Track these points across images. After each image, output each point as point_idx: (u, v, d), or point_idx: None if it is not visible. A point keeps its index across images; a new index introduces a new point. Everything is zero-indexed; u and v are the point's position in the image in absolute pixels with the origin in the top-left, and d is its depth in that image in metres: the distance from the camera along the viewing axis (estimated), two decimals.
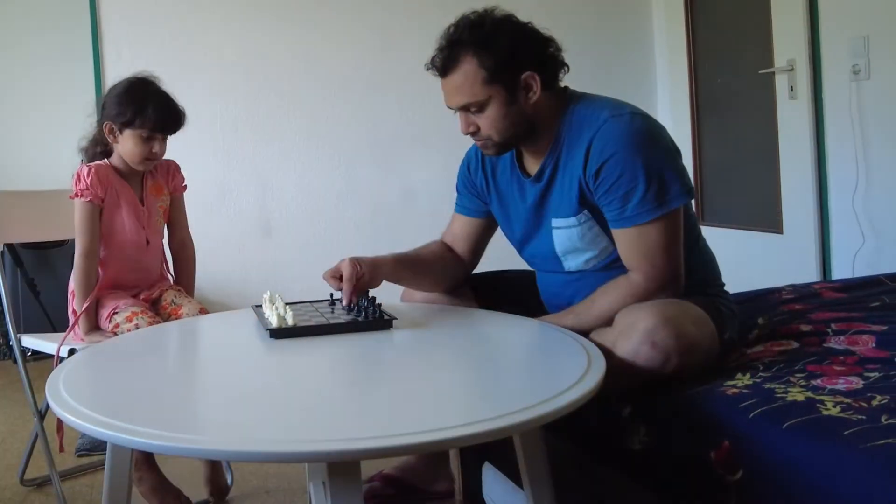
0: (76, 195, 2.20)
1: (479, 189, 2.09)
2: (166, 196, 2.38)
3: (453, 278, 2.13)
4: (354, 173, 4.30)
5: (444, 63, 1.83)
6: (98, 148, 2.30)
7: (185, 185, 2.43)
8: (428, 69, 1.87)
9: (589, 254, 1.90)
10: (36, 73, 4.11)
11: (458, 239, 2.16)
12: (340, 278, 1.88)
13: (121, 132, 2.21)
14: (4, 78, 4.11)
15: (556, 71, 1.88)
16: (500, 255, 2.23)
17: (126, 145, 2.22)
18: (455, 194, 2.19)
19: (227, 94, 4.12)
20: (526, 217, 1.99)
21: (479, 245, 2.16)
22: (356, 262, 1.89)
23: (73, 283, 2.23)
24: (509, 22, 1.84)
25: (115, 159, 2.29)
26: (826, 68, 3.43)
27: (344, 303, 1.88)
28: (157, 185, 2.36)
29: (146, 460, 2.22)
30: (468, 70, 1.80)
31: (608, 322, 1.75)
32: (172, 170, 2.41)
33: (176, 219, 2.42)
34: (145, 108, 2.19)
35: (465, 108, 1.85)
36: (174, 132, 2.27)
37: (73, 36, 4.04)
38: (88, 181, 2.19)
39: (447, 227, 2.21)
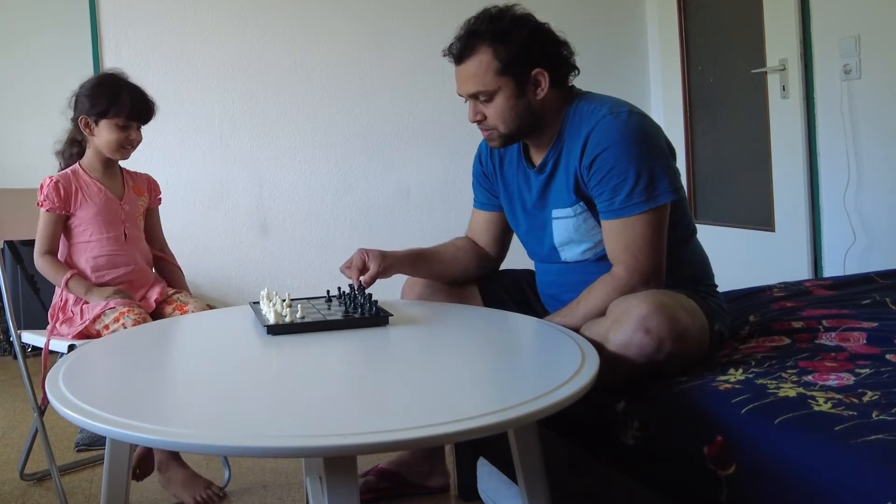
0: (39, 204, 2.29)
1: (489, 180, 2.14)
2: (145, 198, 2.46)
3: (479, 268, 2.20)
4: (351, 172, 4.30)
5: (460, 51, 1.91)
6: (73, 149, 2.37)
7: (161, 199, 2.53)
8: (444, 55, 1.95)
9: (584, 245, 1.94)
10: (36, 73, 4.11)
11: (479, 233, 2.22)
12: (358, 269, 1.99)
13: (97, 124, 2.28)
14: (4, 77, 4.11)
15: (566, 72, 1.96)
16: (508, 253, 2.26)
17: (102, 136, 2.28)
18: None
19: (225, 94, 4.12)
20: (530, 208, 2.04)
21: (501, 237, 2.22)
22: (364, 252, 2.00)
23: (47, 275, 2.30)
24: (527, 20, 1.92)
25: (88, 158, 2.34)
26: (818, 68, 3.45)
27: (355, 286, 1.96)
28: (138, 186, 2.44)
29: (170, 458, 2.23)
30: (482, 59, 1.87)
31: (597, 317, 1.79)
32: (153, 183, 2.51)
33: (153, 229, 2.51)
34: (120, 96, 2.26)
35: (474, 97, 1.92)
36: (147, 121, 2.34)
37: (72, 36, 4.03)
38: (50, 193, 2.27)
39: (469, 223, 2.26)
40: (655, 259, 1.82)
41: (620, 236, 1.83)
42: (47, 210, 2.27)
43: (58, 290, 2.32)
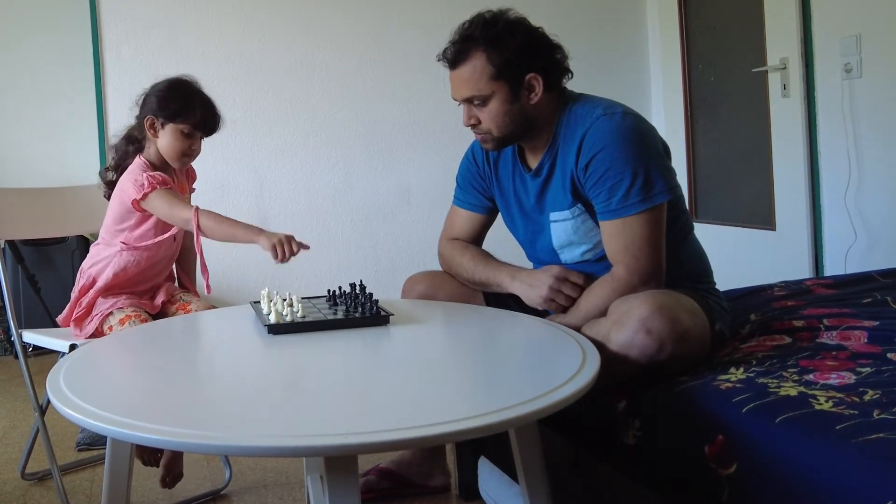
0: (146, 191, 2.15)
1: (485, 182, 2.13)
2: (188, 196, 2.42)
3: None
4: (351, 171, 4.31)
5: (454, 56, 1.90)
6: (130, 146, 2.30)
7: (194, 189, 2.47)
8: (439, 60, 1.94)
9: (584, 247, 1.94)
10: (37, 73, 4.12)
11: (462, 233, 2.19)
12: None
13: (163, 127, 2.22)
14: (5, 77, 4.12)
15: (560, 76, 1.95)
16: (504, 256, 2.25)
17: (166, 140, 2.22)
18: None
19: (226, 93, 4.11)
20: (528, 211, 2.03)
21: (481, 239, 2.22)
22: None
23: (218, 234, 2.16)
24: (521, 24, 1.91)
25: (150, 155, 2.27)
26: (818, 67, 3.45)
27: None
28: (182, 184, 2.38)
29: None
30: (476, 65, 1.87)
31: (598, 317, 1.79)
32: (192, 172, 2.45)
33: None
34: (191, 103, 2.21)
35: (468, 101, 1.91)
36: (212, 133, 2.29)
37: (73, 36, 4.04)
38: (153, 172, 2.19)
39: (449, 223, 2.23)
40: (655, 258, 1.82)
41: (619, 236, 1.83)
42: (163, 188, 2.17)
43: (76, 286, 2.29)
